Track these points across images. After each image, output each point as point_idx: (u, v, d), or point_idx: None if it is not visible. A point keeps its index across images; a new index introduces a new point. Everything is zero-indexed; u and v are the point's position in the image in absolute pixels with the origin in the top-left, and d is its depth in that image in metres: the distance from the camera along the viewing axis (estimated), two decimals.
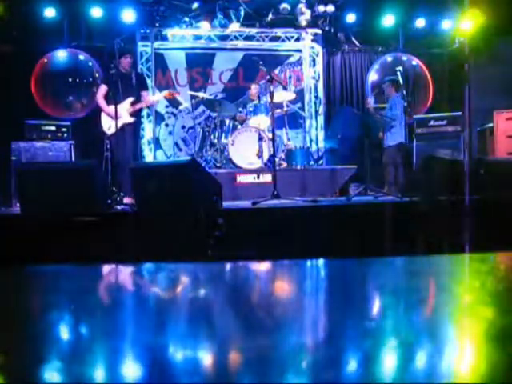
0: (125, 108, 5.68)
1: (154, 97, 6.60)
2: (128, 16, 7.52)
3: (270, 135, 5.64)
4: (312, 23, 8.08)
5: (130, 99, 5.74)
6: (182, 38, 8.14)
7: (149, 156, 7.93)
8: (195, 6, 7.59)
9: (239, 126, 6.81)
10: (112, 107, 5.44)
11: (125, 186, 5.31)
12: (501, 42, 7.50)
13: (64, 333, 0.94)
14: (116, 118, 5.19)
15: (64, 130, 6.43)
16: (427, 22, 8.13)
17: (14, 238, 3.77)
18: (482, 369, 0.68)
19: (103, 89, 5.83)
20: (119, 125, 5.41)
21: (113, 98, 5.34)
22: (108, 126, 5.76)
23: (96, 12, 7.36)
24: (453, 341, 0.83)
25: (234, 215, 4.20)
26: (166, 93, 6.33)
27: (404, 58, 8.39)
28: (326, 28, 8.29)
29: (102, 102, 5.84)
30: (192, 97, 7.44)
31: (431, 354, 0.76)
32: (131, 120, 5.74)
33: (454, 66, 8.27)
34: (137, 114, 5.96)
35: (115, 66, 5.42)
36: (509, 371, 0.65)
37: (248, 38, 8.25)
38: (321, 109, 8.54)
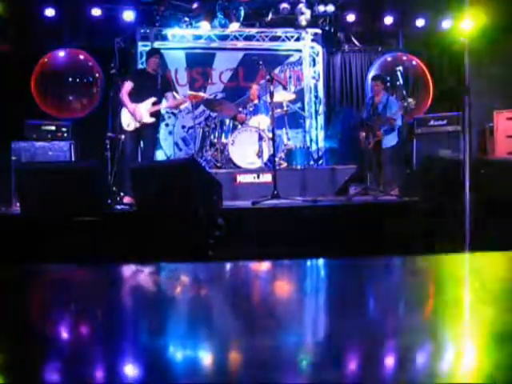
0: (146, 108, 5.67)
1: (177, 101, 6.30)
2: (128, 16, 7.52)
3: (270, 135, 5.63)
4: (312, 23, 8.08)
5: (152, 99, 5.71)
6: (181, 38, 8.14)
7: None
8: (195, 5, 7.59)
9: (239, 126, 6.81)
10: (134, 105, 5.55)
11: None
12: (501, 41, 7.51)
13: (64, 333, 0.94)
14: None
15: (64, 129, 6.43)
16: (427, 22, 8.13)
17: (14, 237, 3.76)
18: (483, 369, 0.68)
19: (128, 85, 5.77)
20: (139, 124, 5.57)
21: (136, 96, 5.42)
22: (127, 123, 5.74)
23: (96, 12, 7.37)
24: (453, 341, 0.83)
25: (234, 215, 4.21)
26: (186, 98, 6.33)
27: (404, 57, 8.39)
28: (326, 28, 8.29)
29: (125, 99, 5.79)
30: None
31: (431, 353, 0.76)
32: (151, 120, 5.71)
33: (454, 65, 8.28)
34: (156, 114, 5.92)
35: (115, 66, 5.40)
36: (509, 371, 0.65)
37: (248, 37, 8.25)
38: (321, 109, 8.54)
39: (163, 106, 5.97)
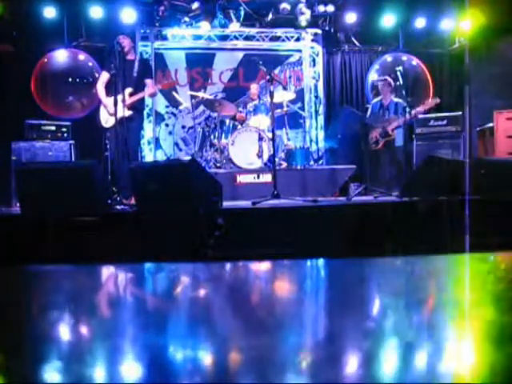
0: (121, 100, 5.02)
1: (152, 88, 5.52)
2: (128, 16, 7.53)
3: (270, 135, 5.63)
4: (312, 23, 8.09)
5: (129, 90, 5.16)
6: (181, 38, 8.15)
7: (149, 156, 7.94)
8: (195, 5, 7.59)
9: (239, 126, 6.81)
10: (111, 99, 5.03)
11: (121, 183, 5.05)
12: (501, 41, 7.51)
13: (64, 333, 0.94)
14: (116, 112, 4.83)
15: (64, 129, 6.43)
16: (427, 21, 8.13)
17: (13, 237, 3.76)
18: (482, 369, 0.68)
19: (104, 76, 5.36)
20: (115, 118, 4.88)
21: (113, 91, 4.90)
22: (105, 119, 5.34)
23: (96, 12, 7.38)
24: (453, 341, 0.83)
25: (234, 215, 4.20)
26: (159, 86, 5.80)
27: (404, 58, 8.39)
28: (326, 28, 8.30)
29: (100, 91, 5.32)
30: (192, 97, 7.44)
31: (431, 353, 0.76)
32: (128, 113, 5.10)
33: (454, 65, 8.28)
34: (137, 106, 5.33)
35: (115, 66, 5.24)
36: (508, 371, 0.65)
37: (248, 38, 8.25)
38: (321, 109, 8.54)
39: (141, 95, 5.31)
